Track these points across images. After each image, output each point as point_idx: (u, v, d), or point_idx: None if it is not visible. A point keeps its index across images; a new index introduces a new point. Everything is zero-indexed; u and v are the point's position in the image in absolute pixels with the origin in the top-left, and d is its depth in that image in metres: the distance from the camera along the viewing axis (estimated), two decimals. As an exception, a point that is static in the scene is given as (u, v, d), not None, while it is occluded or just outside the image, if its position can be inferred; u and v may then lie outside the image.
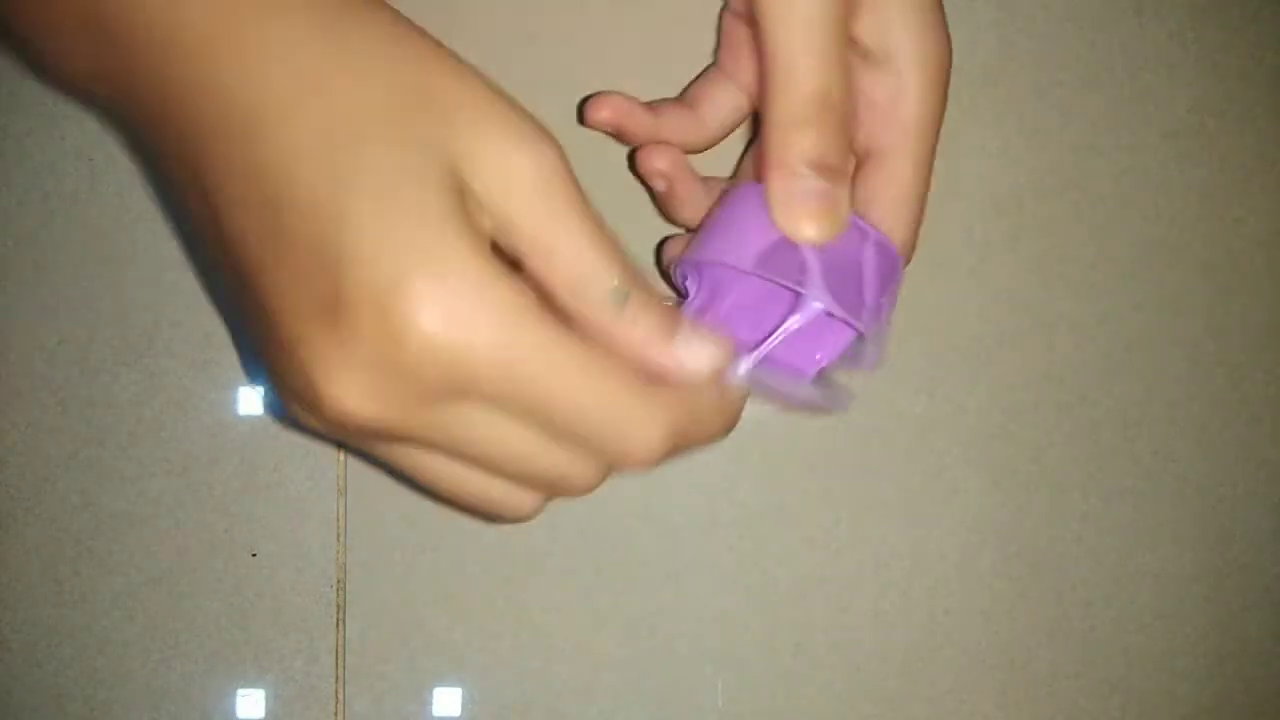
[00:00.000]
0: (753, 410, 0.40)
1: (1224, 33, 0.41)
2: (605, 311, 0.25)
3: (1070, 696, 0.42)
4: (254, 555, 0.40)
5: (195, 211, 0.26)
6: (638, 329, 0.25)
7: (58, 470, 0.39)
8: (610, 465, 0.27)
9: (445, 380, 0.23)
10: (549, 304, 0.25)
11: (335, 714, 0.40)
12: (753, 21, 0.29)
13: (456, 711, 0.40)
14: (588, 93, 0.39)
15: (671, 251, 0.36)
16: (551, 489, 0.28)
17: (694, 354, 0.26)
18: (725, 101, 0.35)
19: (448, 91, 0.24)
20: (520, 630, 0.40)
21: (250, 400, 0.40)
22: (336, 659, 0.40)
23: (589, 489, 0.28)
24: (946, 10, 0.31)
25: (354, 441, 0.26)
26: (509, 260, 0.25)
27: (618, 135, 0.34)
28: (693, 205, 0.34)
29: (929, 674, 0.41)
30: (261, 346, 0.26)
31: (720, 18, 0.36)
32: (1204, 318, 0.41)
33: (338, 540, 0.40)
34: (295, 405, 0.25)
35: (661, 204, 0.35)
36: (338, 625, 0.40)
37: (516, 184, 0.24)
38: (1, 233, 0.39)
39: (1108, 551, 0.41)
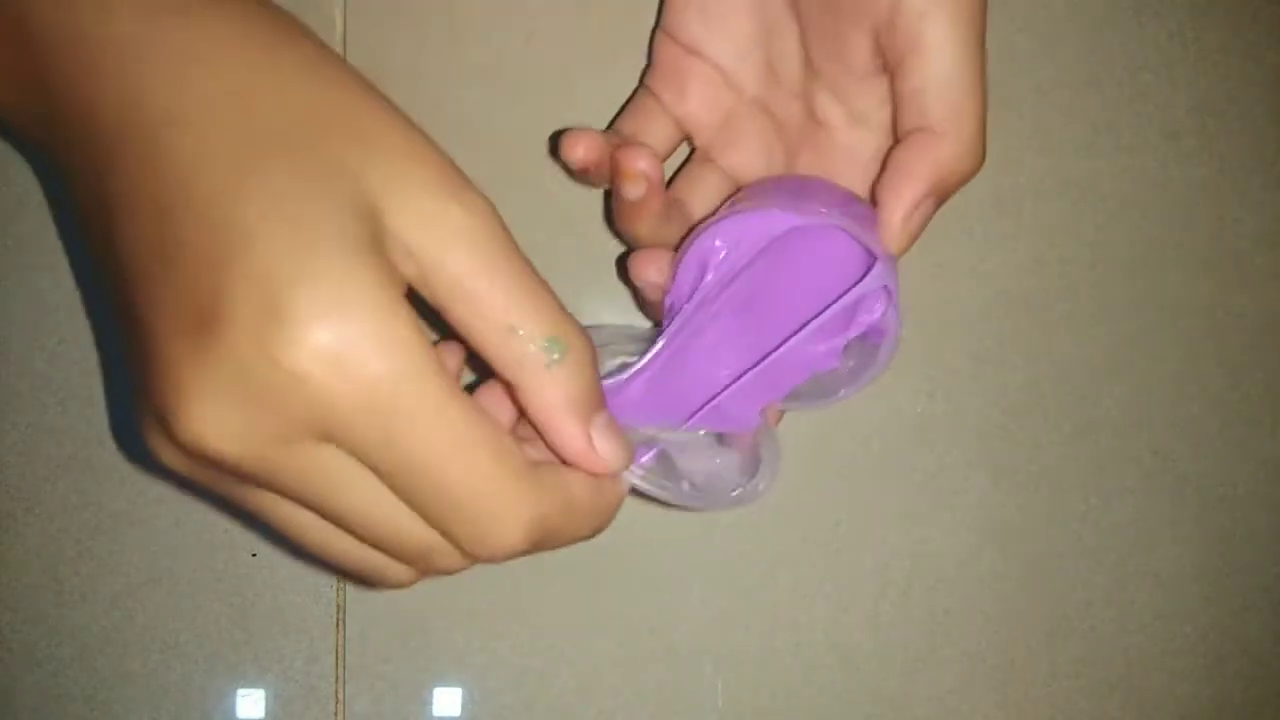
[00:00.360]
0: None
1: (1224, 33, 0.41)
2: (535, 362, 0.23)
3: (1070, 696, 0.42)
4: (254, 555, 0.40)
5: (92, 230, 0.24)
6: (561, 391, 0.24)
7: (58, 470, 0.39)
8: (466, 550, 0.24)
9: (314, 417, 0.21)
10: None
11: (335, 714, 0.40)
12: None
13: (456, 711, 0.40)
14: (585, 91, 0.39)
15: (648, 272, 0.33)
16: (415, 563, 0.25)
17: (606, 444, 0.25)
18: (662, 134, 0.35)
19: (375, 126, 0.23)
20: (520, 630, 0.40)
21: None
22: (336, 659, 0.40)
23: (454, 569, 0.25)
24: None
25: (206, 481, 0.24)
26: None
27: (585, 175, 0.32)
28: (658, 218, 0.32)
29: (929, 674, 0.41)
30: (131, 368, 0.23)
31: (656, 42, 0.35)
32: (1204, 318, 0.41)
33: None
34: (151, 432, 0.23)
35: (627, 212, 0.32)
36: (338, 625, 0.40)
37: (448, 229, 0.22)
38: (1, 233, 0.39)
39: (1108, 551, 0.41)
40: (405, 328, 0.21)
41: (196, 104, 0.22)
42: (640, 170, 0.31)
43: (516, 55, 0.39)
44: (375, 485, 0.23)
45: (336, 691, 0.40)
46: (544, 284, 0.24)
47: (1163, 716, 0.42)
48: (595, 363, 0.25)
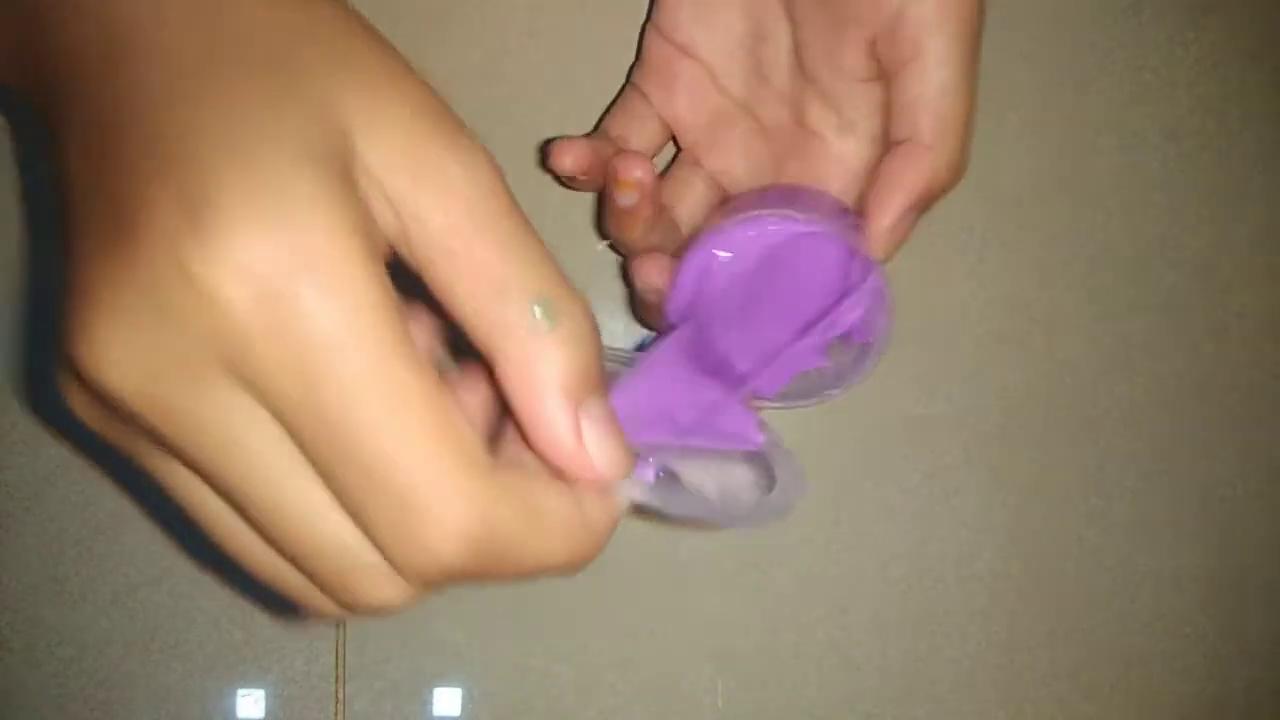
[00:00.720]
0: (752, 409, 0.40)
1: (1224, 33, 0.41)
2: (522, 325, 0.19)
3: (1070, 696, 0.42)
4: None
5: (55, 165, 0.20)
6: (551, 364, 0.19)
7: (58, 470, 0.39)
8: (387, 551, 0.19)
9: (223, 352, 0.17)
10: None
11: (335, 714, 0.40)
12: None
13: (456, 711, 0.40)
14: (584, 91, 0.39)
15: (651, 276, 0.32)
16: (331, 580, 0.20)
17: (598, 440, 0.20)
18: (649, 135, 0.35)
19: (359, 49, 0.19)
20: (520, 630, 0.40)
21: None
22: (336, 659, 0.40)
23: (379, 597, 0.20)
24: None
25: (117, 439, 0.20)
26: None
27: (575, 182, 0.33)
28: (649, 223, 0.31)
29: (929, 674, 0.41)
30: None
31: (646, 39, 0.35)
32: (1204, 318, 0.41)
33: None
34: (61, 376, 0.19)
35: (619, 218, 0.31)
36: (338, 625, 0.40)
37: (439, 178, 0.19)
38: (1, 233, 0.39)
39: (1108, 551, 0.41)
40: (359, 256, 0.17)
41: (154, 14, 0.19)
42: (635, 179, 0.30)
43: (516, 55, 0.39)
44: (287, 453, 0.18)
45: (336, 691, 0.40)
46: (544, 248, 0.20)
47: (1163, 716, 0.42)
48: (598, 341, 0.20)
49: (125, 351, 0.17)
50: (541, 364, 0.19)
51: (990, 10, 0.42)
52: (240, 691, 0.40)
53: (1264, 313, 0.41)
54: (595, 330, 0.20)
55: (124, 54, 0.18)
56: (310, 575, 0.20)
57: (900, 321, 0.40)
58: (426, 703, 0.40)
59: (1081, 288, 0.41)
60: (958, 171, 0.30)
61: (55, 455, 0.39)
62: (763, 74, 0.33)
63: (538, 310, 0.19)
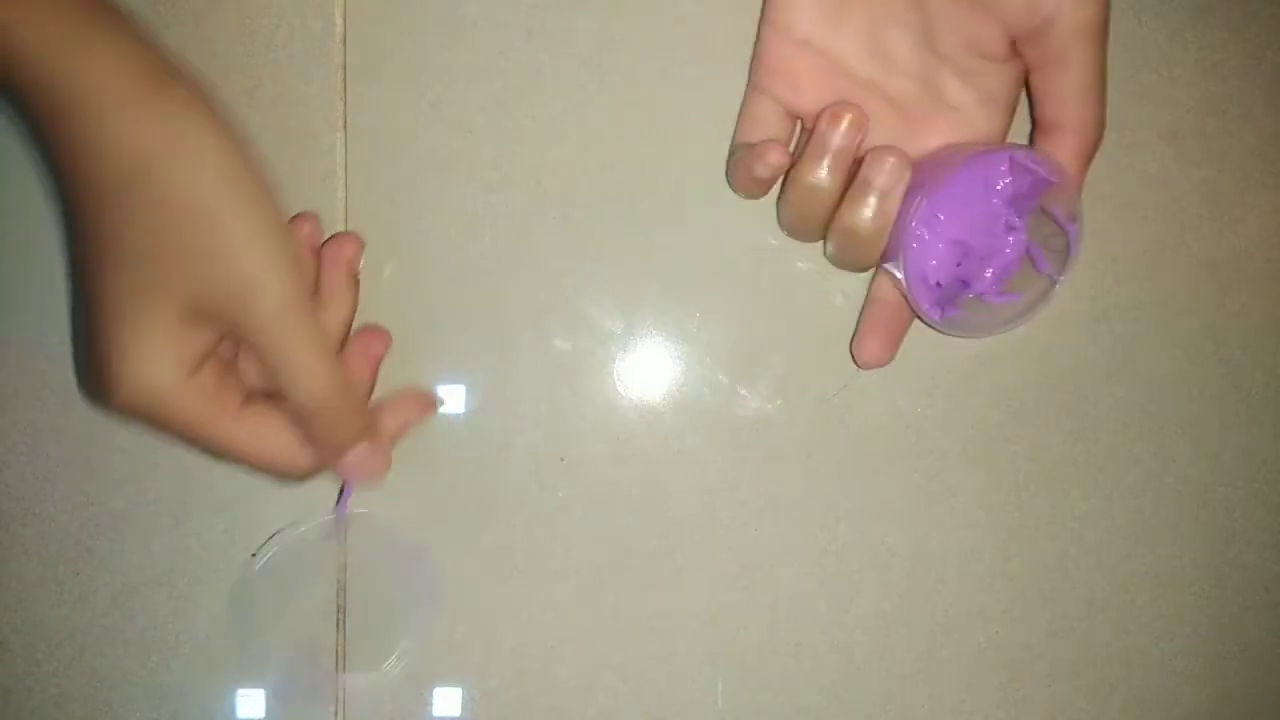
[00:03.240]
0: (753, 410, 0.41)
1: (1224, 33, 0.41)
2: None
3: (1070, 696, 0.42)
4: (254, 555, 0.40)
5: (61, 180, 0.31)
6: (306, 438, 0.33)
7: (58, 470, 0.39)
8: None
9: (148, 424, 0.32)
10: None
11: (335, 714, 0.40)
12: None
13: (456, 711, 0.40)
14: (585, 91, 0.39)
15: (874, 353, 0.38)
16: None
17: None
18: (784, 132, 0.37)
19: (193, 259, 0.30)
20: (520, 630, 0.40)
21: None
22: (336, 659, 0.40)
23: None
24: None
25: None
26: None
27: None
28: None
29: (929, 674, 0.41)
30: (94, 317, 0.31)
31: (763, 40, 0.36)
32: (1204, 318, 0.41)
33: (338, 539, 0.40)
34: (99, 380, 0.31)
35: (747, 177, 0.36)
36: (338, 625, 0.40)
37: (253, 303, 0.30)
38: (1, 233, 0.39)
39: (1108, 551, 0.41)
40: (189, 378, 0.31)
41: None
42: (777, 161, 0.35)
43: (516, 55, 0.39)
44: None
45: (336, 692, 0.40)
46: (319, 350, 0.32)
47: (1163, 716, 0.42)
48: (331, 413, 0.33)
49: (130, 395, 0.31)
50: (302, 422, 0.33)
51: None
52: (240, 691, 0.40)
53: (1264, 313, 0.41)
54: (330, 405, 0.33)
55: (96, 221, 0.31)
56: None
57: (900, 321, 0.40)
58: (426, 703, 0.40)
59: (1081, 288, 0.41)
60: (1099, 143, 0.35)
61: (55, 455, 0.39)
62: (887, 55, 0.35)
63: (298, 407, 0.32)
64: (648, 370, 0.40)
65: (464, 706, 0.40)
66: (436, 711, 0.40)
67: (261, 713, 0.40)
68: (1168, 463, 0.41)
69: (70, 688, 0.40)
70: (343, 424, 0.33)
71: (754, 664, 0.41)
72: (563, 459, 0.40)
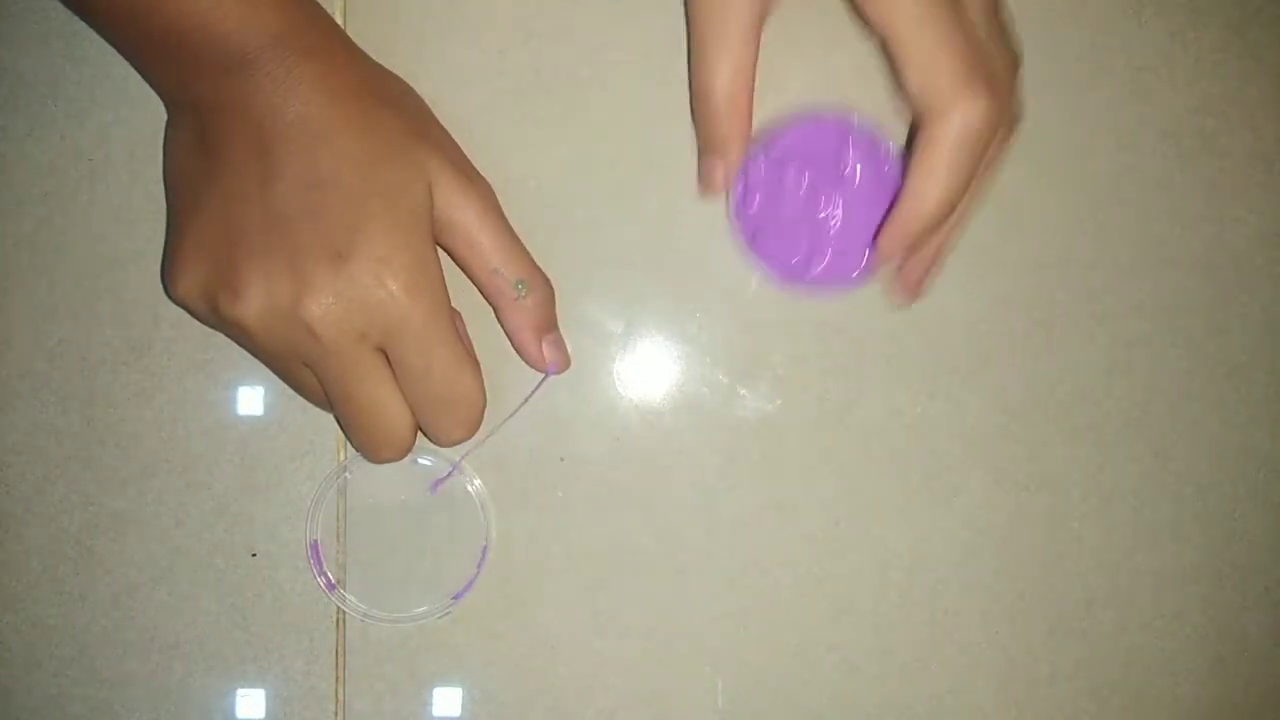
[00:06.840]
0: (753, 409, 0.40)
1: (1224, 33, 0.41)
2: (509, 294, 0.36)
3: (1070, 696, 0.42)
4: (254, 555, 0.40)
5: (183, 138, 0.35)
6: (524, 318, 0.37)
7: (58, 470, 0.39)
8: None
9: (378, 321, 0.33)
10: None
11: (335, 714, 0.40)
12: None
13: (456, 711, 0.40)
14: (585, 90, 0.39)
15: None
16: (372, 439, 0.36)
17: (551, 351, 0.37)
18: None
19: (439, 138, 0.36)
20: (520, 630, 0.40)
21: (250, 400, 0.40)
22: (336, 659, 0.40)
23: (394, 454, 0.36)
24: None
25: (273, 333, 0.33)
26: None
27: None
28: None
29: (929, 674, 0.41)
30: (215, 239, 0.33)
31: None
32: (1204, 318, 0.41)
33: (337, 540, 0.40)
34: (266, 295, 0.33)
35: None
36: (338, 625, 0.40)
37: (463, 203, 0.35)
38: (1, 233, 0.39)
39: (1108, 551, 0.41)
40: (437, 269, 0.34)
41: (328, 124, 0.33)
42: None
43: (516, 55, 0.39)
44: (384, 372, 0.34)
45: (336, 691, 0.40)
46: (520, 243, 0.36)
47: (1163, 716, 0.42)
48: (551, 300, 0.37)
49: (324, 309, 0.33)
50: (520, 317, 0.37)
51: (990, 10, 0.41)
52: (240, 691, 0.40)
53: (1264, 313, 0.41)
54: (551, 297, 0.37)
55: (319, 145, 0.33)
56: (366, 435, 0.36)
57: (900, 321, 0.40)
58: (426, 703, 0.40)
59: (1081, 288, 0.41)
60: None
61: (55, 455, 0.39)
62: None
63: (515, 285, 0.36)
64: (648, 370, 0.40)
65: (464, 706, 0.40)
66: (436, 711, 0.40)
67: (262, 713, 0.40)
68: (1168, 463, 0.42)
69: (70, 688, 0.40)
70: (549, 305, 0.37)
71: (754, 664, 0.41)
72: (563, 459, 0.40)
